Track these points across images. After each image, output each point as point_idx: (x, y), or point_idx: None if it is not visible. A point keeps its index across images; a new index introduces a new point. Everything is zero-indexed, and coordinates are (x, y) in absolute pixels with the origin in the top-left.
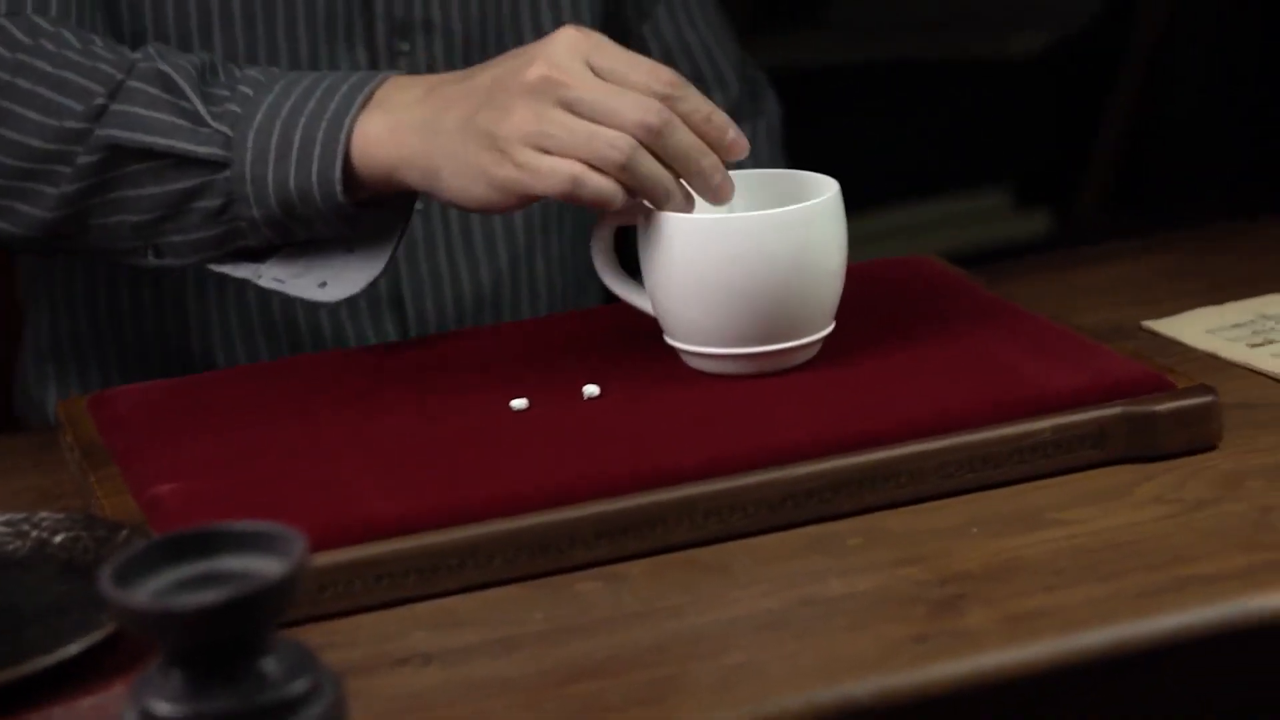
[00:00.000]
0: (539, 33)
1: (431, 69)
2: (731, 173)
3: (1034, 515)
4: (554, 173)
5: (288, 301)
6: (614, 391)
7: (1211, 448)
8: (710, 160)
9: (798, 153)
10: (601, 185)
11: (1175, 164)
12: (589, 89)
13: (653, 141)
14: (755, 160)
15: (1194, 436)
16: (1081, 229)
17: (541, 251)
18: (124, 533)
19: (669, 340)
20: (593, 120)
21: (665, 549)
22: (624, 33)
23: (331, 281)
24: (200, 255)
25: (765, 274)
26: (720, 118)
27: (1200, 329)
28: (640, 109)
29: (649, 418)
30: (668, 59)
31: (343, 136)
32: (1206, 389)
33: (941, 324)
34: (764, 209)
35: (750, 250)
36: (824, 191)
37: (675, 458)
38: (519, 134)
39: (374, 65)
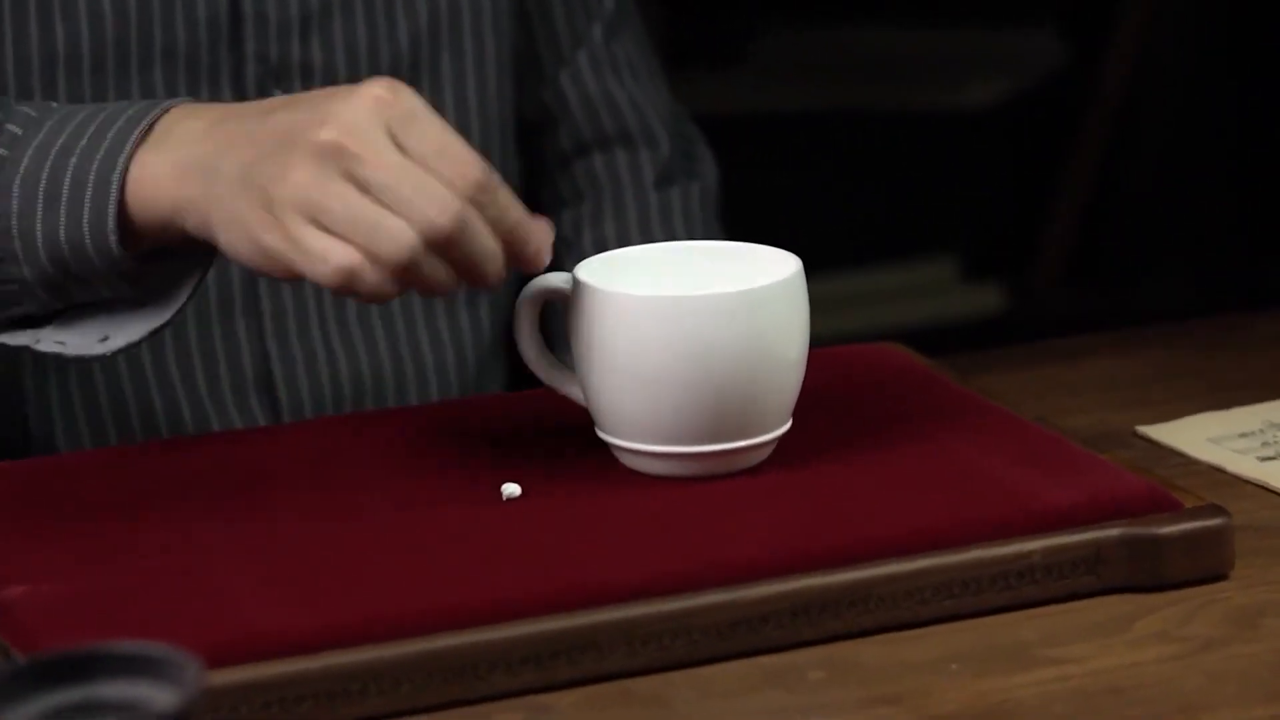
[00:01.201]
0: (436, 83)
1: None
2: (679, 243)
3: (1021, 651)
4: (325, 260)
5: (140, 379)
6: (539, 493)
7: (1222, 578)
8: (495, 269)
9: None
10: (378, 285)
11: (1143, 236)
12: (383, 168)
13: (440, 245)
14: (689, 231)
15: (1203, 564)
16: (1037, 305)
17: (427, 330)
18: None
19: (601, 435)
20: (380, 204)
21: (597, 678)
22: (538, 81)
23: (114, 334)
24: None
25: (714, 363)
26: (525, 229)
27: (1202, 437)
28: (436, 206)
29: (580, 525)
30: (590, 112)
31: (116, 177)
32: (1218, 509)
33: (913, 425)
34: (712, 286)
35: (698, 334)
36: (784, 268)
37: (610, 573)
38: (295, 200)
39: None
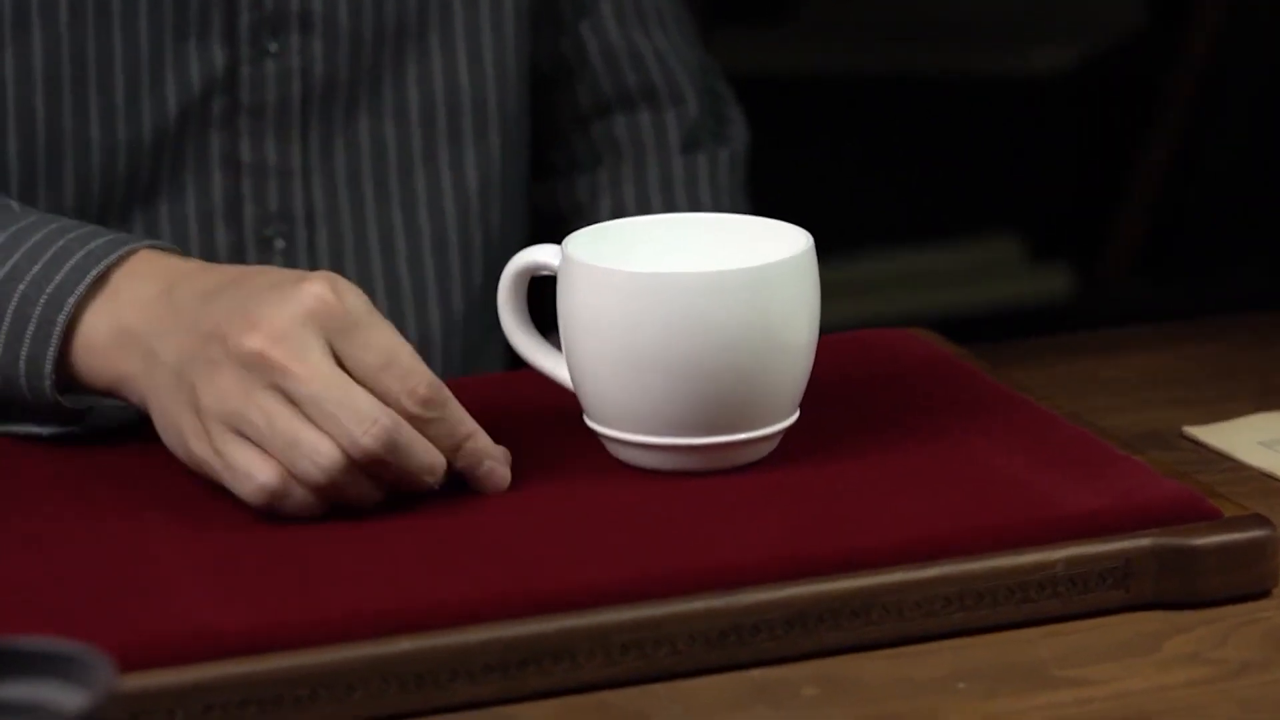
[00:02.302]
0: (448, 34)
1: (307, 76)
2: (681, 215)
3: (1037, 670)
4: (248, 478)
5: None
6: (516, 485)
7: (1263, 595)
8: (434, 480)
9: (753, 184)
10: (301, 504)
11: (1226, 221)
12: (309, 382)
13: (367, 465)
14: (715, 201)
15: (1241, 580)
16: (1105, 294)
17: (440, 309)
18: None
19: (589, 423)
20: (305, 419)
21: (571, 689)
22: (556, 30)
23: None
24: None
25: (713, 347)
26: (474, 447)
27: (1253, 439)
28: (362, 424)
29: (559, 522)
30: (612, 65)
31: (61, 319)
32: (1261, 520)
33: (932, 419)
34: (714, 263)
35: (696, 316)
36: (792, 245)
37: (589, 574)
38: (219, 410)
39: (233, 68)
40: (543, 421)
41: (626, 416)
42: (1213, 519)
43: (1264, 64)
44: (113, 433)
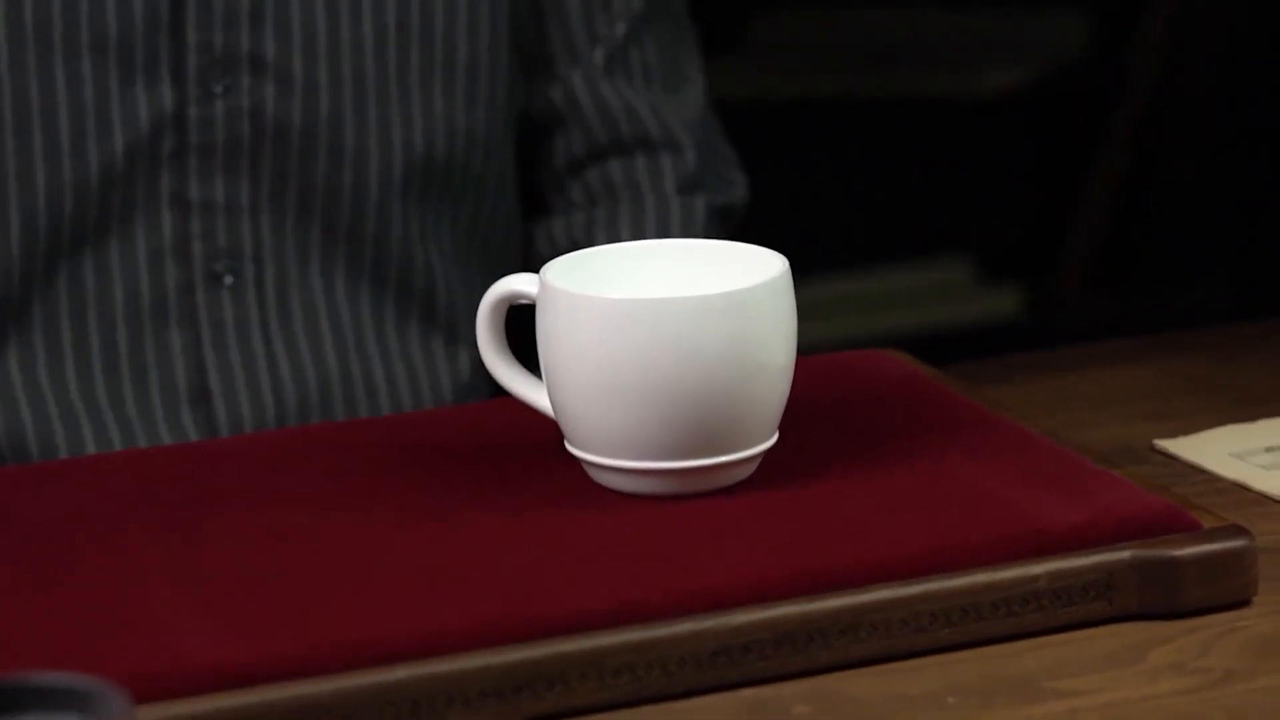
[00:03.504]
0: (404, 85)
1: (257, 117)
2: (657, 243)
3: (1024, 683)
4: None
5: (62, 393)
6: (502, 512)
7: (1244, 604)
8: None
9: None
10: None
11: (1175, 238)
12: None
13: None
14: (688, 237)
15: (1222, 590)
16: (1060, 312)
17: (377, 343)
18: None
19: (571, 449)
20: None
21: (564, 713)
22: (548, 80)
23: None
24: None
25: (692, 371)
26: None
27: (1225, 451)
28: None
29: (546, 547)
30: (606, 116)
31: None
32: (1239, 530)
33: (911, 438)
34: (690, 287)
35: (674, 340)
36: (769, 269)
37: (579, 599)
38: None
39: (182, 109)
40: (525, 449)
41: (607, 442)
42: (1192, 530)
43: (1210, 80)
44: (96, 467)
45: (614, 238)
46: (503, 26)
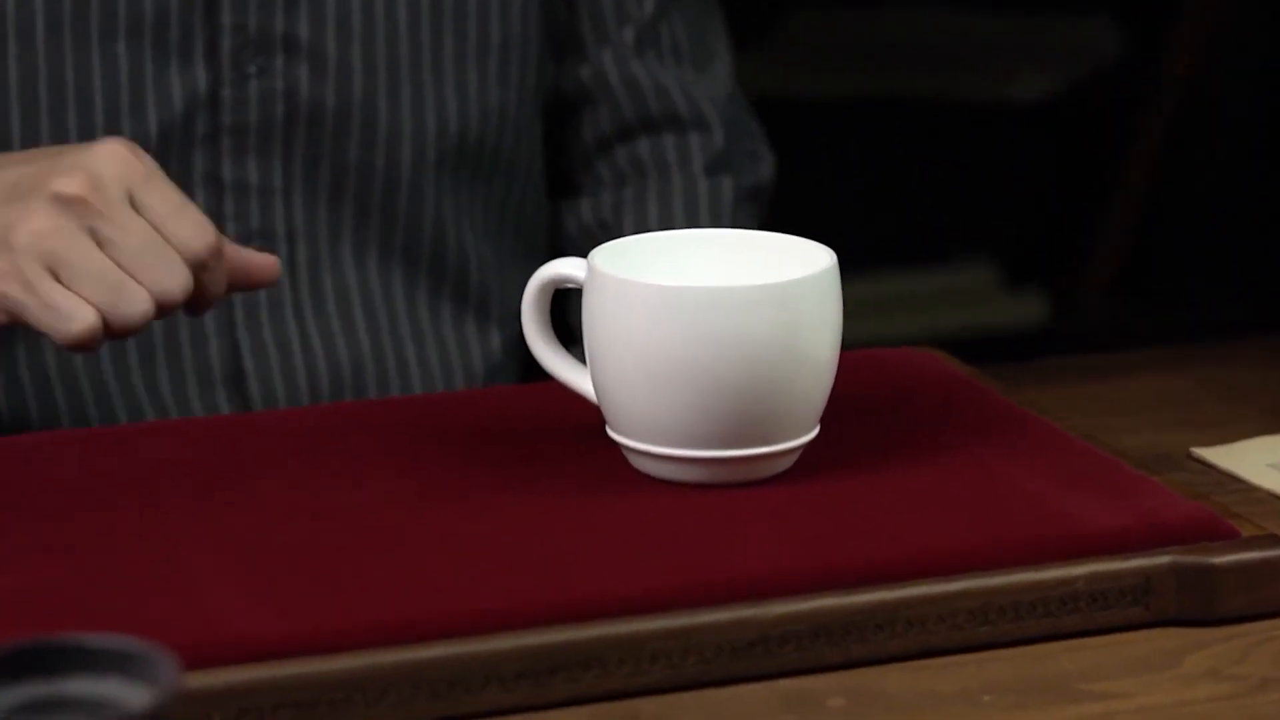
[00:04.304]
0: (438, 66)
1: (291, 98)
2: (705, 231)
3: (1060, 684)
4: (71, 317)
5: (96, 375)
6: (543, 495)
7: None
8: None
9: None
10: (99, 345)
11: (1199, 247)
12: (125, 230)
13: (164, 312)
14: (715, 218)
15: (1260, 599)
16: (1082, 317)
17: (409, 320)
18: None
19: (613, 435)
20: (118, 265)
21: (601, 696)
22: (578, 59)
23: None
24: None
25: (738, 361)
26: (247, 273)
27: (1262, 461)
28: (175, 278)
29: (586, 531)
30: (635, 94)
31: None
32: (1277, 540)
33: (951, 436)
34: (739, 277)
35: (722, 329)
36: (816, 262)
37: (617, 584)
38: (36, 247)
39: (215, 89)
40: (567, 432)
41: (650, 428)
42: (1231, 538)
43: (1240, 92)
44: (138, 436)
45: (641, 217)
46: (534, 6)
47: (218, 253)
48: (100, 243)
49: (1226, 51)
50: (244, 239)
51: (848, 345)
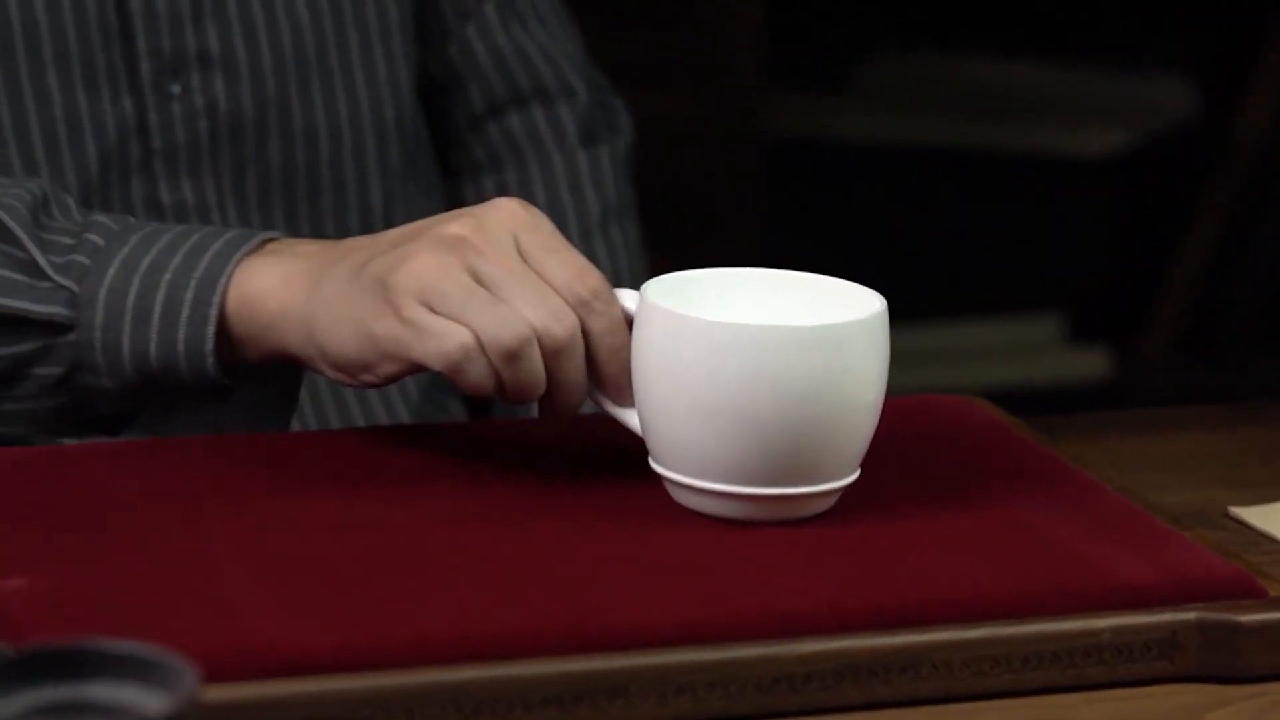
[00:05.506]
0: (344, 56)
1: (213, 113)
2: (751, 270)
3: None
4: (444, 335)
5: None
6: (580, 523)
7: None
8: (577, 400)
9: (796, 244)
10: (484, 371)
11: (1267, 310)
12: (504, 267)
13: (547, 350)
14: (617, 191)
15: None
16: (1147, 376)
17: None
18: None
19: (655, 466)
20: (492, 293)
21: None
22: (443, 37)
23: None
24: (36, 427)
25: (786, 401)
26: (625, 352)
27: None
28: (551, 314)
29: (620, 561)
30: (501, 67)
31: (216, 297)
32: None
33: (986, 483)
34: (792, 318)
35: (773, 368)
36: (867, 306)
37: (647, 614)
38: (414, 285)
39: (141, 116)
40: (609, 463)
41: (694, 462)
42: (1259, 597)
43: None
44: (183, 446)
45: (529, 200)
46: None
47: (601, 293)
48: (478, 277)
49: None
50: None
51: (907, 392)
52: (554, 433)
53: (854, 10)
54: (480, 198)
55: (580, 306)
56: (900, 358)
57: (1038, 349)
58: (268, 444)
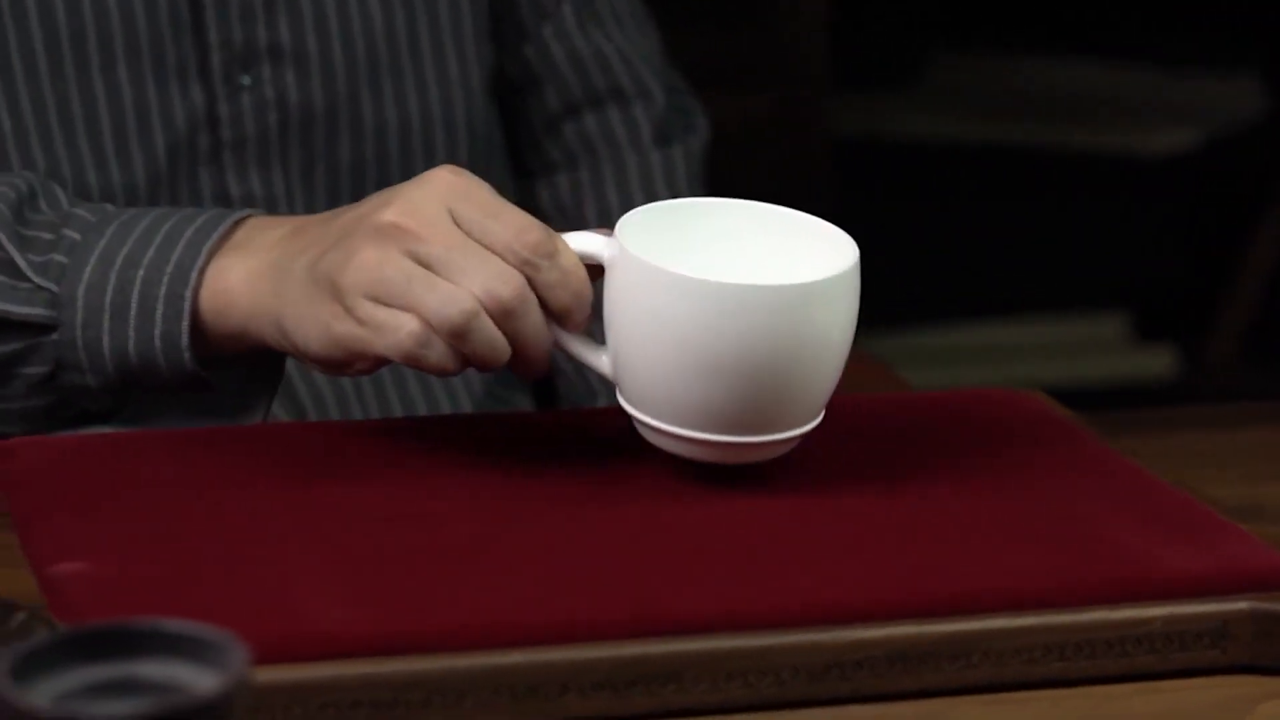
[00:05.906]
0: (416, 56)
1: (283, 105)
2: (729, 200)
3: None
4: (396, 327)
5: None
6: (631, 509)
7: None
8: (545, 352)
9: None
10: (442, 355)
11: None
12: (442, 242)
13: (497, 316)
14: (672, 190)
15: None
16: (1213, 376)
17: None
18: (19, 616)
19: (624, 405)
20: (440, 277)
21: (677, 711)
22: (520, 38)
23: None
24: (28, 425)
25: (758, 354)
26: (583, 299)
27: None
28: (496, 278)
29: (673, 549)
30: (578, 68)
31: (188, 292)
32: None
33: (1039, 474)
34: (762, 256)
35: (748, 324)
36: (839, 254)
37: (700, 601)
38: (361, 281)
39: (211, 107)
40: (663, 453)
41: (661, 405)
42: None
43: None
44: (239, 434)
45: (602, 199)
46: None
47: (542, 245)
48: (421, 261)
49: None
50: None
51: (971, 387)
52: (605, 424)
53: (922, 9)
54: (555, 198)
55: (524, 266)
56: (967, 354)
57: (1104, 347)
58: (323, 432)
